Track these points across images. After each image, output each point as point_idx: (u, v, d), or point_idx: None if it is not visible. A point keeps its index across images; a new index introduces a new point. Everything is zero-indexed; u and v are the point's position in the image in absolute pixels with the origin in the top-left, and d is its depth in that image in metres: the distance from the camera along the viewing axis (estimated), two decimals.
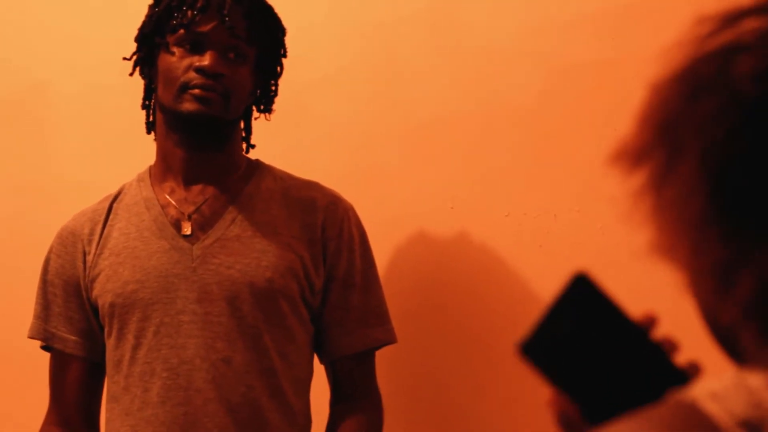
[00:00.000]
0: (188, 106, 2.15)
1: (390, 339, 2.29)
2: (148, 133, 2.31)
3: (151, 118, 2.30)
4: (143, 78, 2.29)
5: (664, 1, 2.27)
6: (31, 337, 2.32)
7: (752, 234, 0.87)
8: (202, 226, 2.22)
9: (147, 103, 2.30)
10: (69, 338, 2.28)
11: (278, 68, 2.30)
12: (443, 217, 2.48)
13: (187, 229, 2.22)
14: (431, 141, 2.52)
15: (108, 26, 2.97)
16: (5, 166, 3.09)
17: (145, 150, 2.39)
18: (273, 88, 2.32)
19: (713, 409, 0.84)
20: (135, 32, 2.26)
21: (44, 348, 2.32)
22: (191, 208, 2.24)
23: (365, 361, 2.28)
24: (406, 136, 2.54)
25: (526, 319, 2.33)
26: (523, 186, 2.42)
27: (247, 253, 2.19)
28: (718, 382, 0.86)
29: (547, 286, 2.34)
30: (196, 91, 2.15)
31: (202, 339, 2.16)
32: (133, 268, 2.21)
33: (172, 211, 2.24)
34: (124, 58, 2.30)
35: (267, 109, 2.32)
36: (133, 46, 2.28)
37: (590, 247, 2.32)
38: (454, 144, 2.50)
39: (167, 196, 2.26)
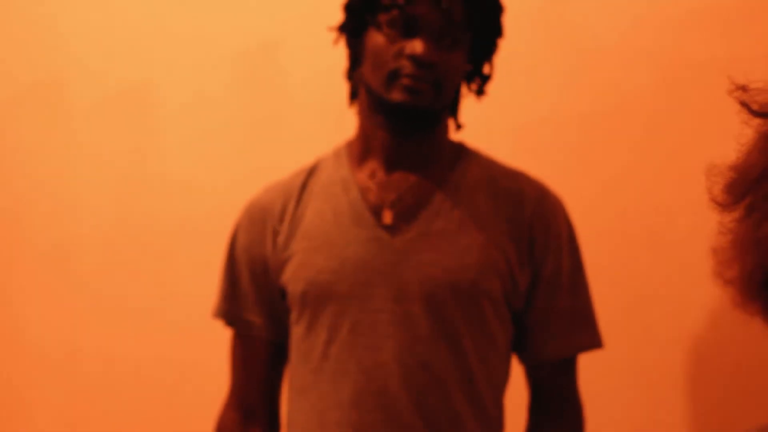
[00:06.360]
0: (397, 95, 1.99)
1: (597, 344, 2.13)
2: (351, 104, 2.15)
3: (353, 91, 2.14)
4: (348, 48, 2.12)
5: None
6: (216, 317, 2.21)
7: None
8: (405, 216, 2.06)
9: (351, 74, 2.13)
10: (255, 320, 2.16)
11: (494, 49, 2.12)
12: None
13: (388, 219, 2.06)
14: (540, 140, 2.49)
15: (213, 24, 2.92)
16: (111, 162, 3.03)
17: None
18: (488, 70, 2.13)
19: None
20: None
21: (229, 325, 2.21)
22: (393, 196, 2.07)
23: (568, 367, 2.14)
24: (515, 135, 2.51)
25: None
26: (633, 187, 2.43)
27: (451, 249, 2.03)
28: None
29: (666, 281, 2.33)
30: (407, 80, 1.98)
31: (399, 341, 2.02)
32: (328, 256, 2.06)
33: (372, 197, 2.08)
34: (329, 29, 2.14)
35: (480, 92, 2.14)
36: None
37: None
38: (563, 144, 2.46)
39: (367, 179, 2.10)
